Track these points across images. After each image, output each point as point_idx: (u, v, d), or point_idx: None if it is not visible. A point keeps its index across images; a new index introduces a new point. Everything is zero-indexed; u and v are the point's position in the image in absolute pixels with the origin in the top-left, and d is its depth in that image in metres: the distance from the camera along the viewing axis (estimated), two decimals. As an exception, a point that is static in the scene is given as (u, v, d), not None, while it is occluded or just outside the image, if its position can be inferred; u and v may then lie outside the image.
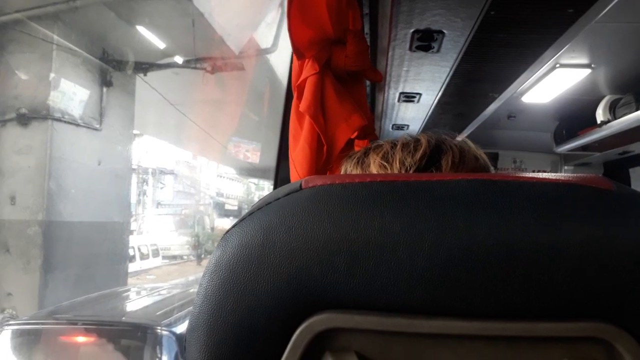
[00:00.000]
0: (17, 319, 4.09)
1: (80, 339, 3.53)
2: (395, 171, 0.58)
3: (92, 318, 3.78)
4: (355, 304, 0.34)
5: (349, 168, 0.63)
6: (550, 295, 0.33)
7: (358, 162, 0.62)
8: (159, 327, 3.49)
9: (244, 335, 0.35)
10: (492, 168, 0.65)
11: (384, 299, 0.34)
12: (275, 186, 1.95)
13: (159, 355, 3.38)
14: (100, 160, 7.85)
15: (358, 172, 0.61)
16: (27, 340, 3.61)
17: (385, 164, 0.59)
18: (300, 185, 0.37)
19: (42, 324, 3.77)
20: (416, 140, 0.60)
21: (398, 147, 0.59)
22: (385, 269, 0.33)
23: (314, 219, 0.34)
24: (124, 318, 4.19)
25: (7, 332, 3.60)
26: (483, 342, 0.34)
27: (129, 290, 6.45)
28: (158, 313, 3.96)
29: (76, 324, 3.59)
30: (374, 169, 0.60)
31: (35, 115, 6.86)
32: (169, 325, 3.52)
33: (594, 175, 0.37)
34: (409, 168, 0.57)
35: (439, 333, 0.34)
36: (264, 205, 0.37)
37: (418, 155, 0.58)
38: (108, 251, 7.99)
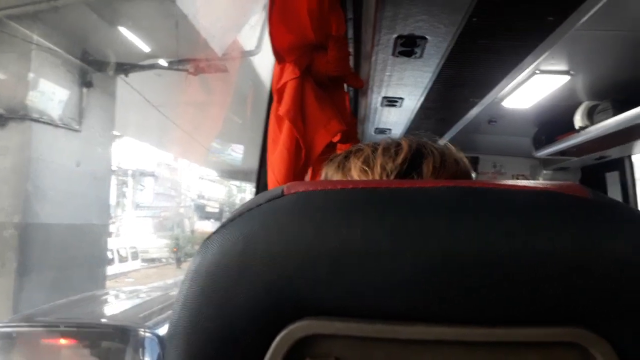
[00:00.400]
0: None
1: (62, 341, 3.49)
2: (377, 176, 0.57)
3: (73, 320, 3.71)
4: (336, 310, 0.34)
5: (329, 172, 0.62)
6: (529, 302, 0.33)
7: (339, 166, 0.61)
8: (141, 329, 3.45)
9: (223, 343, 0.35)
10: (472, 172, 0.65)
11: (365, 305, 0.33)
12: (258, 190, 1.94)
13: (142, 358, 3.33)
14: (79, 162, 7.75)
15: (339, 177, 0.61)
16: (6, 343, 3.56)
17: (367, 168, 0.58)
18: (282, 192, 0.37)
19: (22, 326, 3.67)
20: (397, 145, 0.59)
21: (379, 151, 0.59)
22: (367, 275, 0.33)
23: (295, 225, 0.34)
24: (105, 320, 4.15)
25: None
26: (463, 347, 0.34)
27: (108, 293, 6.34)
28: (140, 316, 3.92)
29: (57, 326, 3.53)
30: (354, 174, 0.59)
31: (12, 115, 6.73)
32: (151, 327, 3.48)
33: (571, 182, 0.38)
34: (390, 173, 0.57)
35: (420, 339, 0.34)
36: (245, 212, 0.36)
37: (399, 159, 0.57)
38: (86, 254, 7.87)
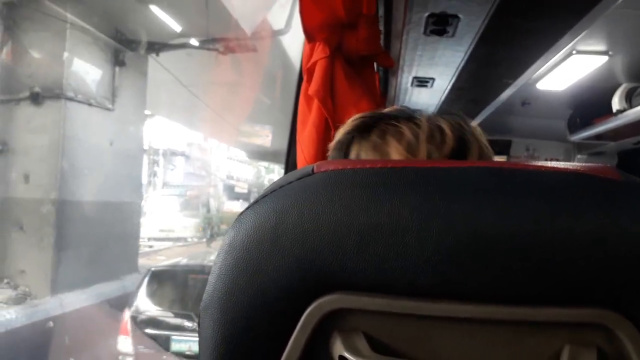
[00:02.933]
0: (158, 266, 6.12)
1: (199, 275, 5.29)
2: None
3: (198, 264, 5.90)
4: (364, 286, 0.35)
5: (362, 153, 0.59)
6: (555, 282, 0.33)
7: (375, 148, 0.58)
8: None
9: (255, 314, 0.36)
10: (496, 156, 0.64)
11: (392, 281, 0.34)
12: (287, 170, 1.95)
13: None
14: (112, 141, 7.80)
15: (375, 158, 0.59)
16: (165, 276, 5.42)
17: (410, 156, 0.56)
18: (312, 170, 0.38)
19: (169, 267, 5.91)
20: (440, 130, 0.57)
21: (422, 137, 0.56)
22: (394, 252, 0.34)
23: (325, 202, 0.35)
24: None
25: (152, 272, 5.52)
26: (488, 325, 0.35)
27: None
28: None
29: (195, 268, 5.59)
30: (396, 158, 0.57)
31: (48, 94, 6.85)
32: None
33: (602, 165, 0.38)
34: None
35: (446, 316, 0.34)
36: (277, 189, 0.38)
37: (445, 150, 0.56)
38: (119, 231, 7.92)
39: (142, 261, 9.28)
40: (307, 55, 1.15)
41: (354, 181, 0.36)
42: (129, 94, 8.17)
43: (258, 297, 0.36)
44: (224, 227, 14.62)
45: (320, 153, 1.09)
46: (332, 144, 0.64)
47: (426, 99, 3.03)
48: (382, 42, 1.84)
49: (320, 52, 1.10)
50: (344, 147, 0.61)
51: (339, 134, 0.63)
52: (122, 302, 6.06)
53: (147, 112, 9.58)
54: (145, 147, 17.11)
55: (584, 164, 0.37)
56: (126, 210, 8.30)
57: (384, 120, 0.60)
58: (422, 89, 2.79)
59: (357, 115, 0.63)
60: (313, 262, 0.35)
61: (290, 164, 1.82)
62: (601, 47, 1.88)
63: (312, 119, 1.12)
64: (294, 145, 1.21)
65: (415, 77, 2.58)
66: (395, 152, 0.57)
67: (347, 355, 0.34)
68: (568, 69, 2.12)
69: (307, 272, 0.35)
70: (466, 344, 0.35)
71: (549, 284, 0.33)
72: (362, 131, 0.60)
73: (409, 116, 0.60)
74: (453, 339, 0.35)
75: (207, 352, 0.38)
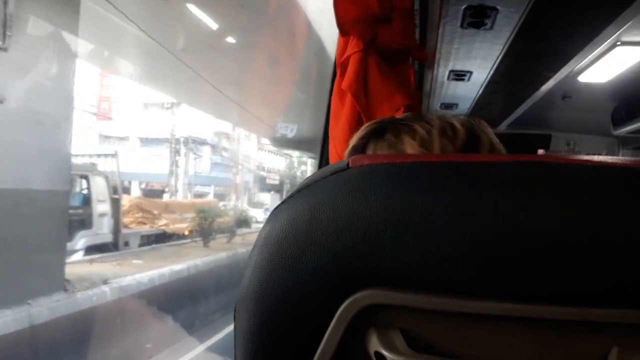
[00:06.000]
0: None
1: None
2: None
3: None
4: (400, 282, 0.34)
5: (377, 152, 0.62)
6: (602, 282, 0.32)
7: (390, 146, 0.61)
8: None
9: (290, 308, 0.36)
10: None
11: (429, 278, 0.34)
12: (321, 165, 1.96)
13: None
14: (2, 97, 4.45)
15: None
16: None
17: (425, 152, 0.59)
18: (347, 164, 0.38)
19: None
20: (452, 126, 0.59)
21: (435, 133, 0.59)
22: (430, 248, 0.33)
23: (360, 197, 0.35)
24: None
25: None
26: (529, 324, 0.34)
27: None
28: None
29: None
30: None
31: None
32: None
33: None
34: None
35: (485, 314, 0.34)
36: (312, 183, 0.38)
37: (458, 142, 0.58)
38: (20, 233, 4.76)
39: (108, 269, 7.26)
40: (341, 49, 1.15)
41: (389, 176, 0.35)
42: (39, 29, 4.95)
43: (293, 292, 0.36)
44: (220, 220, 13.08)
45: None
46: (346, 151, 0.66)
47: (463, 93, 2.98)
48: (417, 35, 1.82)
49: (354, 46, 1.10)
50: (360, 152, 0.63)
51: (353, 140, 0.65)
52: (25, 339, 4.14)
53: (75, 50, 5.49)
54: (167, 135, 16.48)
55: (634, 159, 0.36)
56: (38, 201, 4.92)
57: (397, 123, 0.62)
58: (459, 83, 2.75)
59: (369, 123, 0.65)
60: (348, 257, 0.34)
61: (324, 159, 1.83)
62: (647, 38, 1.81)
63: (344, 114, 1.11)
64: (328, 140, 1.21)
65: (452, 71, 2.55)
66: (410, 148, 0.59)
67: (383, 351, 0.34)
68: (612, 60, 2.06)
69: (343, 267, 0.35)
70: (506, 343, 0.34)
71: (597, 284, 0.32)
72: (376, 134, 0.63)
73: (421, 117, 0.63)
74: (492, 337, 0.34)
75: (242, 345, 0.38)
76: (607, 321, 0.33)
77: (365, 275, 0.34)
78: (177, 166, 16.76)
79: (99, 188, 10.42)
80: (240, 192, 19.28)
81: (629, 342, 0.33)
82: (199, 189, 18.95)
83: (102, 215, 10.42)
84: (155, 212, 12.98)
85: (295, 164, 21.06)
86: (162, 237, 12.32)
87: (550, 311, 0.33)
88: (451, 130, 0.59)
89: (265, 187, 20.37)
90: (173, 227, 12.80)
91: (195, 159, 18.12)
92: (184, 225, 13.04)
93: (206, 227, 12.62)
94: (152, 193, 18.00)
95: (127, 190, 17.10)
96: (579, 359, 0.34)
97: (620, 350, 0.33)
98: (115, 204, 10.93)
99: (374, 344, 0.35)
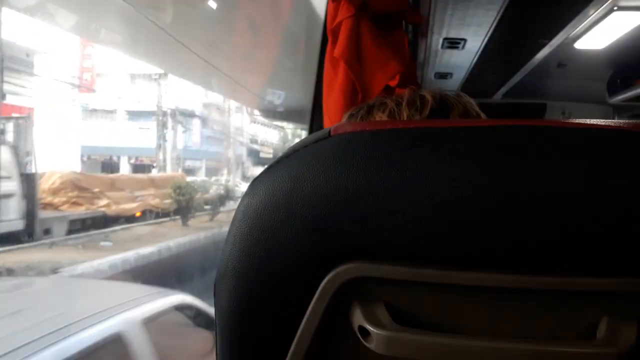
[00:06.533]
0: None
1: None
2: None
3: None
4: (385, 254, 0.33)
5: None
6: (590, 249, 0.31)
7: (362, 120, 0.63)
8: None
9: (271, 283, 0.35)
10: None
11: (415, 249, 0.33)
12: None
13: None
14: None
15: None
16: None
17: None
18: (329, 132, 0.36)
19: None
20: (421, 97, 0.61)
21: (403, 105, 0.60)
22: (416, 219, 0.32)
23: (342, 166, 0.34)
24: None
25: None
26: (517, 295, 0.33)
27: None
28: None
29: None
30: None
31: None
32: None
33: None
34: None
35: (471, 285, 0.33)
36: (292, 153, 0.36)
37: (426, 111, 0.59)
38: None
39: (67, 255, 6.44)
40: (332, 14, 1.12)
41: (372, 143, 0.34)
42: None
43: (274, 266, 0.35)
44: (199, 196, 12.24)
45: None
46: None
47: (458, 61, 2.94)
48: (410, 2, 1.78)
49: (345, 11, 1.06)
50: None
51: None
52: None
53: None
54: (154, 107, 15.99)
55: (627, 121, 0.34)
56: None
57: (373, 103, 0.65)
58: (454, 51, 2.71)
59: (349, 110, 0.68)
60: (330, 229, 0.33)
61: (314, 130, 1.80)
62: (645, 2, 1.79)
63: (338, 82, 1.08)
64: (317, 110, 1.18)
65: (445, 39, 2.51)
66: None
67: (367, 326, 0.33)
68: (608, 26, 2.03)
69: (324, 239, 0.33)
70: (492, 315, 0.33)
71: (584, 251, 0.31)
72: (351, 117, 0.65)
73: (412, 90, 0.64)
74: (480, 309, 0.33)
75: (222, 323, 0.37)
76: (595, 290, 0.32)
77: (348, 247, 0.33)
78: (164, 139, 16.09)
79: (-1, 161, 8.17)
80: (233, 166, 19.15)
81: (619, 312, 0.32)
82: (189, 163, 18.63)
83: (6, 196, 8.28)
84: (96, 190, 10.76)
85: (290, 137, 21.05)
86: (104, 221, 10.20)
87: (535, 281, 0.32)
88: (420, 101, 0.60)
89: (260, 160, 20.34)
90: (117, 208, 10.76)
91: (184, 132, 17.73)
92: (133, 205, 11.23)
93: (167, 208, 11.28)
94: (141, 168, 17.77)
95: (115, 166, 16.85)
96: (568, 330, 0.33)
97: (611, 319, 0.32)
98: (30, 180, 8.78)
99: (358, 318, 0.34)
